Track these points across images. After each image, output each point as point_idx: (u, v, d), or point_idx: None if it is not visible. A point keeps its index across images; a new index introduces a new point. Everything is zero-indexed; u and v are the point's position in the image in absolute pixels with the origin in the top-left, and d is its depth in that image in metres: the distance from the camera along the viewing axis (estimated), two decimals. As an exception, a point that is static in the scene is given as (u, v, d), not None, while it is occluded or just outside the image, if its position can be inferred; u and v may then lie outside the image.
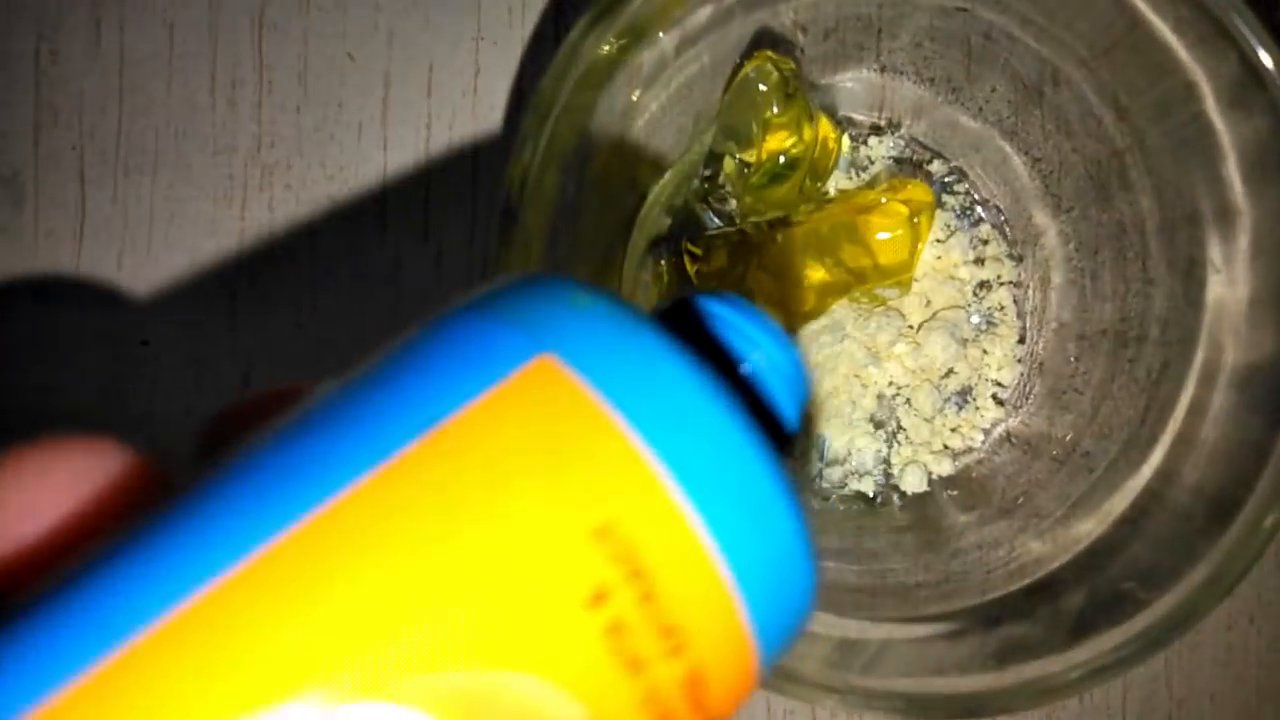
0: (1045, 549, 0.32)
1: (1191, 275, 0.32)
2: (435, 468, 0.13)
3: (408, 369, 0.14)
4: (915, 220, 0.33)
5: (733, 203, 0.36)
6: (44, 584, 0.13)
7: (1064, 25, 0.32)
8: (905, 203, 0.33)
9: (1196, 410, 0.31)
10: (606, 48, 0.29)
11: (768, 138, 0.33)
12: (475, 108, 0.39)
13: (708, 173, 0.36)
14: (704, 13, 0.31)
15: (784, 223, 0.34)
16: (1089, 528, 0.32)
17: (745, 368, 0.17)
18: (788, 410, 0.18)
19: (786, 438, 0.18)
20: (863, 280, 0.34)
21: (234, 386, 0.39)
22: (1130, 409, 0.33)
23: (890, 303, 0.36)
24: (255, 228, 0.39)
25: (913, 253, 0.33)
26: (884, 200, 0.33)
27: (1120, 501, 0.32)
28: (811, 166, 0.33)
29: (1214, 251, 0.31)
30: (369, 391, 0.14)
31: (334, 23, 0.39)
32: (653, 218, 0.37)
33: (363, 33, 0.39)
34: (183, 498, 0.13)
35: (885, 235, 0.33)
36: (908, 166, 0.36)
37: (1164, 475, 0.31)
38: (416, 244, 0.39)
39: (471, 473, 0.13)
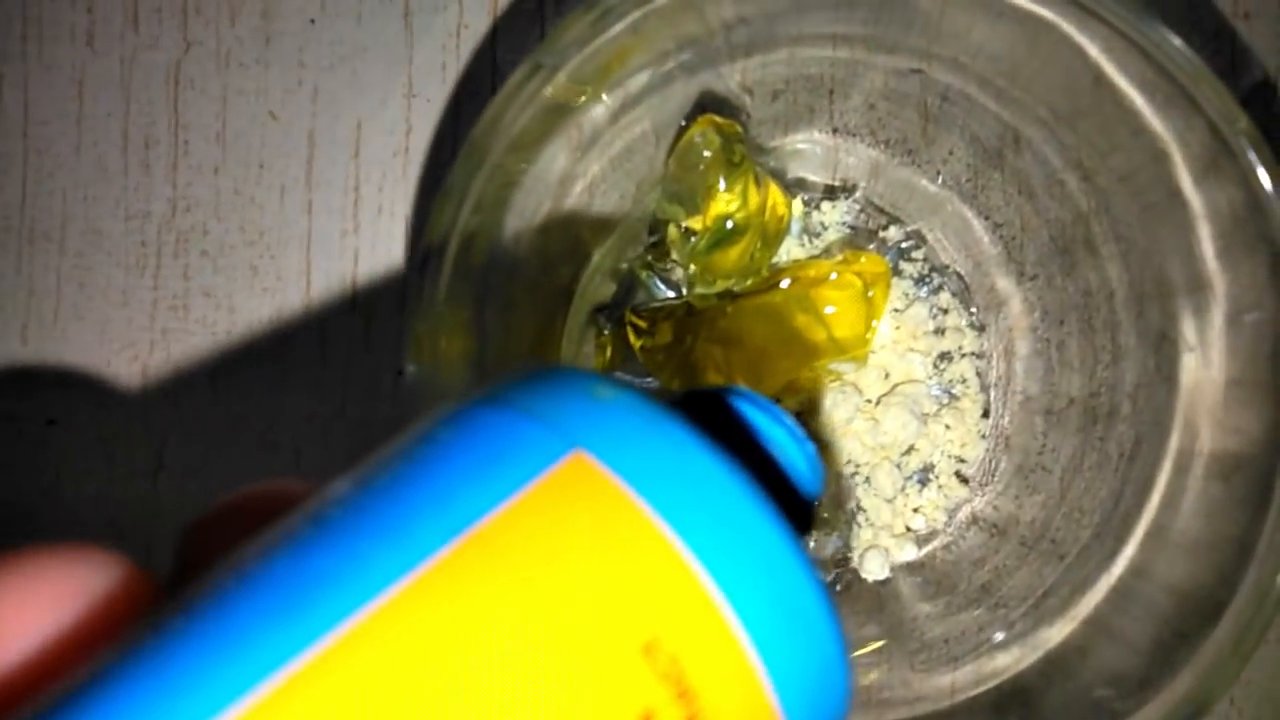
0: (1013, 646, 0.31)
1: (1163, 350, 0.30)
2: (473, 574, 0.12)
3: (434, 467, 0.13)
4: (870, 293, 0.31)
5: (679, 271, 0.34)
6: (33, 712, 0.12)
7: (1024, 87, 0.30)
8: (859, 274, 0.31)
9: (1172, 497, 0.29)
10: (545, 97, 0.27)
11: (712, 204, 0.32)
12: (406, 168, 0.37)
13: (653, 239, 0.34)
14: (644, 75, 0.29)
15: (733, 294, 0.33)
16: (1059, 624, 0.30)
17: (773, 465, 0.17)
18: (807, 508, 0.18)
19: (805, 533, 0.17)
20: (817, 355, 0.32)
21: (147, 466, 0.37)
22: (1102, 490, 0.32)
23: (846, 377, 0.34)
24: (169, 297, 0.37)
25: (868, 326, 0.32)
26: (835, 274, 0.31)
27: (1092, 596, 0.30)
28: (762, 234, 0.32)
29: (1187, 326, 0.29)
30: (395, 491, 0.13)
31: (255, 79, 0.37)
32: (595, 284, 0.35)
33: (285, 89, 0.37)
34: (194, 614, 0.12)
35: (838, 309, 0.31)
36: (863, 232, 0.35)
37: (1137, 569, 0.29)
38: (343, 314, 0.37)
39: (515, 580, 0.12)
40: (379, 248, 0.37)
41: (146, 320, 0.37)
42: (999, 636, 0.32)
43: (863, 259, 0.32)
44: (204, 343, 0.37)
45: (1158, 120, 0.28)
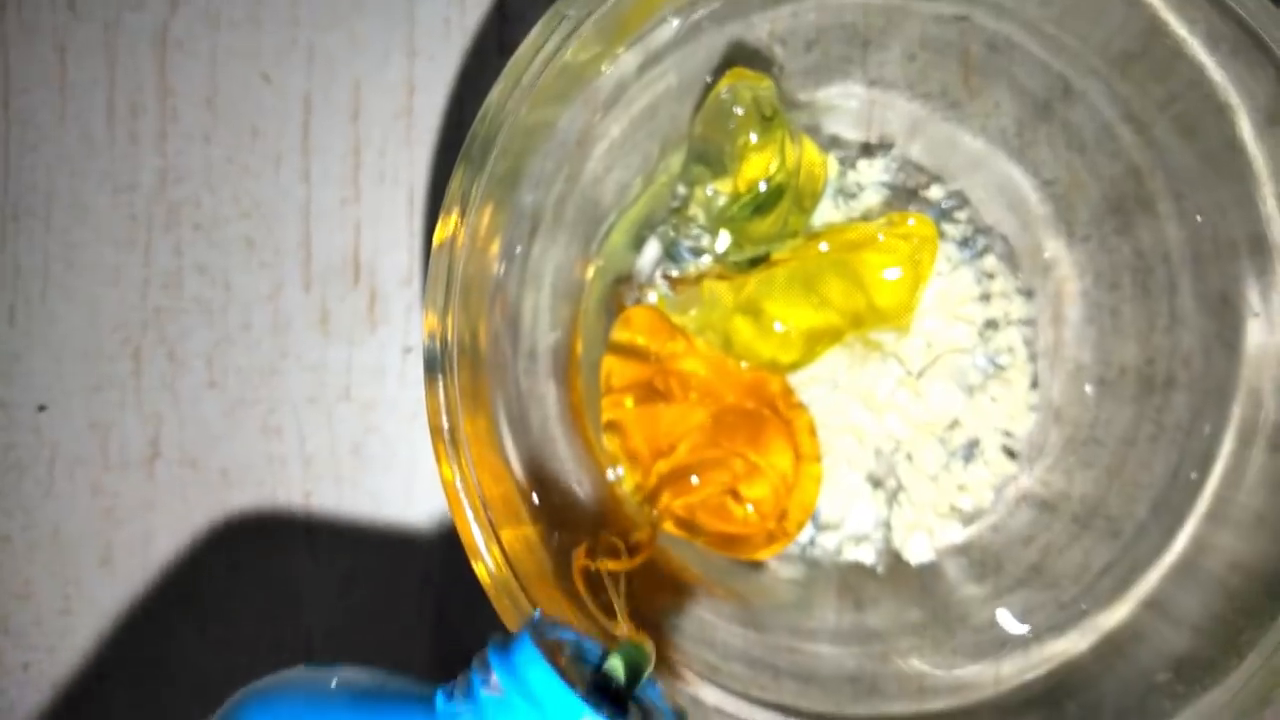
0: (1067, 629, 0.31)
1: (1225, 315, 0.30)
2: None
3: None
4: (916, 257, 0.31)
5: (707, 237, 0.34)
6: None
7: (1077, 33, 0.30)
8: (904, 237, 0.31)
9: (1235, 470, 0.29)
10: (564, 59, 0.27)
11: (744, 165, 0.31)
12: (410, 131, 0.37)
13: (677, 204, 0.34)
14: (670, 26, 0.28)
15: (765, 260, 0.32)
16: (1116, 606, 0.30)
17: None
18: None
19: None
20: (857, 324, 0.32)
21: (142, 453, 0.36)
22: (1159, 464, 0.31)
23: (887, 348, 0.34)
24: (161, 274, 0.37)
25: (914, 294, 0.31)
26: (881, 236, 0.31)
27: (1151, 575, 0.30)
28: (796, 196, 0.31)
29: (1250, 290, 0.29)
30: None
31: (246, 39, 0.37)
32: (617, 253, 0.35)
33: (279, 50, 0.37)
34: None
35: (883, 274, 0.31)
36: (901, 192, 0.34)
37: (1199, 545, 0.29)
38: (345, 289, 0.36)
39: None
40: (382, 216, 0.37)
41: (138, 299, 0.37)
42: (1053, 622, 0.31)
43: (909, 220, 0.31)
44: (199, 322, 0.37)
45: (1220, 68, 0.28)
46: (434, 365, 0.27)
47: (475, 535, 0.26)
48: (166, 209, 0.37)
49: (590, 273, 0.34)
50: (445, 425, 0.26)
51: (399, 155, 0.37)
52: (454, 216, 0.26)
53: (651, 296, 0.34)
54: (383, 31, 0.37)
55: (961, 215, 0.35)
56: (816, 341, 0.32)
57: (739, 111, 0.31)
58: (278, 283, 0.37)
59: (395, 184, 0.37)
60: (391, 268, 0.37)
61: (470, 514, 0.26)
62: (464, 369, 0.28)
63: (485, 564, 0.26)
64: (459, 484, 0.26)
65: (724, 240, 0.32)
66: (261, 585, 0.36)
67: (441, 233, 0.27)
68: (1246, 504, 0.28)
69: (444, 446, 0.26)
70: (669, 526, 0.32)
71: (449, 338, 0.27)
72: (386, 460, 0.37)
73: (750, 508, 0.32)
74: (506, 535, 0.27)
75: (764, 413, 0.32)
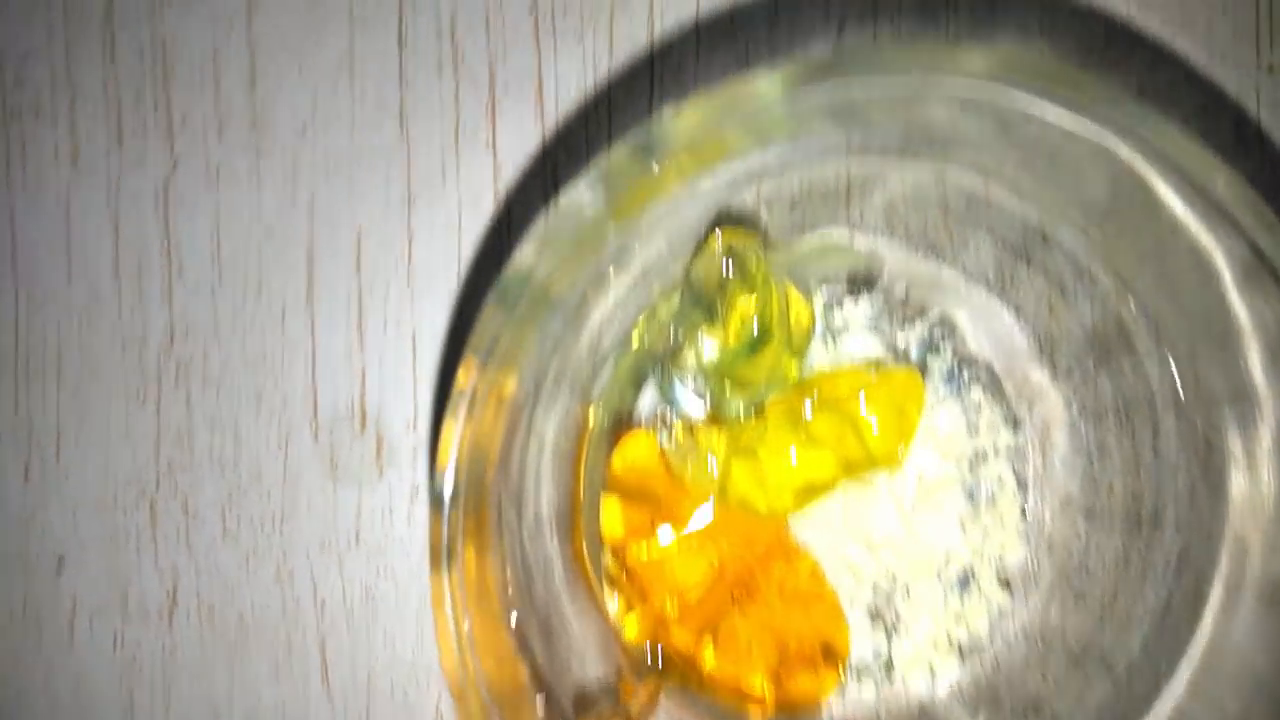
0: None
1: (1209, 460, 0.31)
2: None
3: None
4: (904, 408, 0.31)
5: (701, 382, 0.34)
6: None
7: (1054, 186, 0.30)
8: (892, 390, 0.31)
9: (1225, 617, 0.30)
10: (588, 227, 0.27)
11: (733, 315, 0.32)
12: (411, 278, 0.37)
13: (672, 349, 0.34)
14: (666, 205, 0.29)
15: (759, 409, 0.33)
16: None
17: None
18: None
19: None
20: (850, 470, 0.32)
21: (161, 605, 0.37)
22: (1150, 601, 0.32)
23: (880, 486, 0.34)
24: (173, 428, 0.37)
25: (907, 437, 0.32)
26: (865, 390, 0.31)
27: (1148, 713, 0.30)
28: (786, 339, 0.32)
29: (1233, 440, 0.29)
30: None
31: (247, 195, 0.37)
32: (615, 396, 0.36)
33: (280, 204, 0.37)
34: None
35: (870, 424, 0.31)
36: (887, 328, 0.35)
37: (1195, 694, 0.29)
38: (353, 436, 0.37)
39: None
40: (386, 363, 0.37)
41: (151, 453, 0.37)
42: (1051, 754, 0.32)
43: (896, 374, 0.32)
44: (211, 473, 0.37)
45: (1198, 227, 0.28)
46: (440, 505, 0.27)
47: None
48: (176, 363, 0.37)
49: (590, 417, 0.35)
50: (445, 562, 0.27)
51: (402, 301, 0.37)
52: (473, 366, 0.27)
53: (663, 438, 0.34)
54: (379, 179, 0.37)
55: (947, 347, 0.35)
56: (814, 489, 0.32)
57: (726, 264, 0.31)
58: (286, 433, 0.37)
59: (399, 330, 0.37)
60: (397, 413, 0.37)
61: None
62: (470, 524, 0.28)
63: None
64: (463, 681, 0.26)
65: (721, 390, 0.33)
66: (280, 731, 0.37)
67: (463, 380, 0.27)
68: (1240, 659, 0.29)
69: (450, 646, 0.26)
70: (680, 678, 0.32)
71: (460, 488, 0.28)
72: (399, 602, 0.37)
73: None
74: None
75: (769, 565, 0.33)
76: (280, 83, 0.37)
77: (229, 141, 0.38)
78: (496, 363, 0.28)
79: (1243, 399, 0.29)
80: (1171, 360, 0.31)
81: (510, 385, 0.29)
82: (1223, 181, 0.26)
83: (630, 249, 0.31)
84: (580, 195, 0.26)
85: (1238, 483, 0.29)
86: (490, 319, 0.27)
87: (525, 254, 0.27)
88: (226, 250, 0.38)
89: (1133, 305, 0.31)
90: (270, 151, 0.37)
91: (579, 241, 0.27)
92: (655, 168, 0.26)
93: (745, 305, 0.32)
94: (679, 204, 0.30)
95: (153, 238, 0.38)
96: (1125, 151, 0.27)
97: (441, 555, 0.28)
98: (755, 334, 0.32)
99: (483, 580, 0.28)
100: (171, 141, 0.38)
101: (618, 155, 0.26)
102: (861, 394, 0.31)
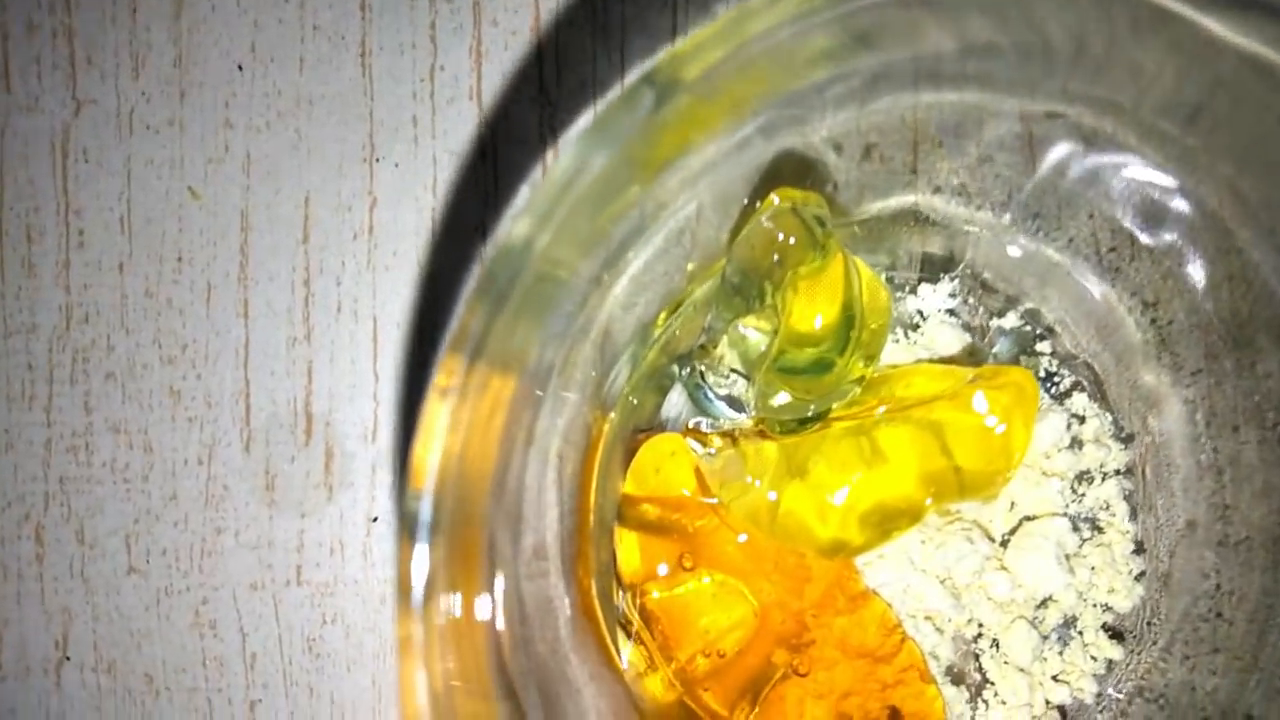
0: None
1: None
2: None
3: None
4: (1016, 415, 0.24)
5: (741, 384, 0.27)
6: None
7: (1205, 133, 0.24)
8: (1001, 389, 0.24)
9: None
10: (595, 193, 0.20)
11: (794, 301, 0.25)
12: (373, 254, 0.30)
13: (703, 342, 0.27)
14: (712, 148, 0.22)
15: (821, 418, 0.26)
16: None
17: None
18: None
19: None
20: (940, 497, 0.25)
21: (47, 657, 0.29)
22: (1309, 654, 0.25)
23: (966, 516, 0.27)
24: (67, 436, 0.29)
25: (1011, 462, 0.25)
26: (975, 391, 0.24)
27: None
28: (859, 338, 0.25)
29: None
30: None
31: (168, 146, 0.30)
32: (634, 403, 0.28)
33: (209, 158, 0.30)
34: None
35: (971, 439, 0.24)
36: (971, 320, 0.28)
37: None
38: (296, 449, 0.29)
39: None
40: (340, 357, 0.30)
41: (39, 467, 0.30)
42: None
43: (1006, 373, 0.25)
44: (114, 493, 0.29)
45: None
46: (413, 531, 0.20)
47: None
48: (72, 355, 0.30)
49: (605, 428, 0.27)
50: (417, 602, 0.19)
51: (360, 282, 0.30)
52: (460, 361, 0.19)
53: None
54: (336, 132, 0.30)
55: (1044, 346, 0.29)
56: (889, 520, 0.25)
57: (785, 238, 0.24)
58: (210, 442, 0.30)
59: (355, 318, 0.30)
60: (352, 420, 0.30)
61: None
62: (452, 590, 0.21)
63: None
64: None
65: (770, 394, 0.26)
66: (196, 824, 0.29)
67: (446, 377, 0.20)
68: None
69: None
70: None
71: (443, 513, 0.21)
72: (350, 657, 0.29)
73: None
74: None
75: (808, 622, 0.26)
76: (212, 10, 0.30)
77: (146, 81, 0.30)
78: (486, 362, 0.20)
79: None
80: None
81: (505, 388, 0.21)
82: None
83: (654, 216, 0.24)
84: (586, 149, 0.19)
85: None
86: (477, 306, 0.20)
87: (520, 225, 0.20)
88: (139, 215, 0.30)
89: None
90: (197, 95, 0.30)
91: (587, 207, 0.20)
92: (676, 109, 0.19)
93: (810, 285, 0.25)
94: (714, 158, 0.23)
95: (47, 198, 0.30)
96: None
97: (413, 597, 0.20)
98: (825, 321, 0.25)
99: (469, 631, 0.21)
100: (74, 81, 0.30)
101: (631, 95, 0.19)
102: (975, 395, 0.24)
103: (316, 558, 0.30)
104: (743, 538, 0.27)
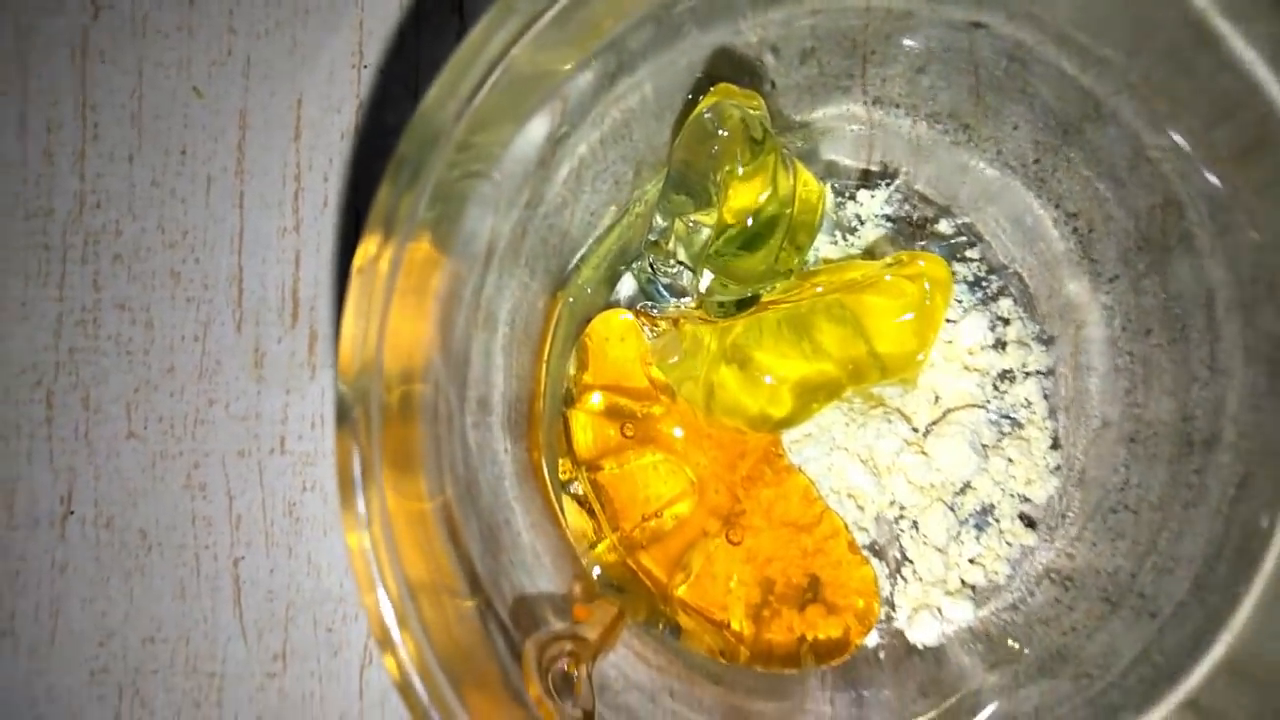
0: (1101, 730, 0.26)
1: (1277, 366, 0.26)
2: None
3: None
4: (927, 302, 0.26)
5: (686, 276, 0.29)
6: None
7: (1114, 43, 0.26)
8: (914, 278, 0.26)
9: (1297, 549, 0.25)
10: (517, 62, 0.22)
11: (730, 195, 0.27)
12: (357, 152, 0.32)
13: (654, 237, 0.29)
14: (646, 29, 0.24)
15: (753, 303, 0.28)
16: (1153, 703, 0.25)
17: None
18: None
19: None
20: (857, 377, 0.27)
21: (52, 511, 0.32)
22: (1201, 536, 0.27)
23: (890, 403, 0.29)
24: (77, 310, 0.32)
25: (924, 343, 0.27)
26: (888, 276, 0.26)
27: (1196, 669, 0.25)
28: (789, 231, 0.27)
29: (1313, 340, 0.25)
30: None
31: (176, 49, 0.32)
32: (587, 290, 0.30)
33: (212, 61, 0.32)
34: None
35: (889, 320, 0.26)
36: (906, 226, 0.30)
37: (1256, 635, 0.24)
38: (283, 330, 0.32)
39: None
40: (324, 248, 0.32)
41: (50, 338, 0.32)
42: (1076, 716, 0.27)
43: (919, 261, 0.27)
44: (118, 364, 0.32)
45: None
46: (347, 415, 0.22)
47: (387, 621, 0.21)
48: (84, 237, 0.32)
49: (556, 311, 0.30)
50: (359, 485, 0.21)
51: (345, 179, 0.32)
52: (376, 238, 0.22)
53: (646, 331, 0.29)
54: (326, 39, 0.32)
55: (973, 253, 0.30)
56: (811, 396, 0.27)
57: (725, 134, 0.26)
58: (206, 321, 0.32)
59: (340, 211, 0.32)
60: (335, 305, 0.32)
61: (383, 594, 0.21)
62: (391, 421, 0.23)
63: (398, 655, 0.21)
64: (371, 557, 0.21)
65: (707, 279, 0.28)
66: (182, 664, 0.31)
67: (362, 256, 0.22)
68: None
69: (354, 511, 0.21)
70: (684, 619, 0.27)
71: (370, 384, 0.23)
72: (327, 522, 0.32)
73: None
74: (432, 619, 0.22)
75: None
76: (220, -76, 0.32)
77: (159, -11, 0.33)
78: (405, 233, 0.22)
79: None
80: (1240, 251, 0.26)
81: (441, 259, 0.23)
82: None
83: (598, 95, 0.26)
84: (499, 19, 0.21)
85: (1318, 390, 0.25)
86: (398, 177, 0.22)
87: (438, 91, 0.22)
88: (149, 111, 0.32)
89: (1195, 187, 0.26)
90: (205, 2, 0.32)
91: (511, 81, 0.22)
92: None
93: (744, 186, 0.27)
94: (648, 41, 0.25)
95: (66, 94, 0.33)
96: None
97: (349, 415, 0.22)
98: (754, 223, 0.27)
99: (408, 450, 0.23)
100: (94, -12, 0.33)
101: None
102: (885, 278, 0.26)
103: (299, 430, 0.32)
104: (679, 432, 0.29)
